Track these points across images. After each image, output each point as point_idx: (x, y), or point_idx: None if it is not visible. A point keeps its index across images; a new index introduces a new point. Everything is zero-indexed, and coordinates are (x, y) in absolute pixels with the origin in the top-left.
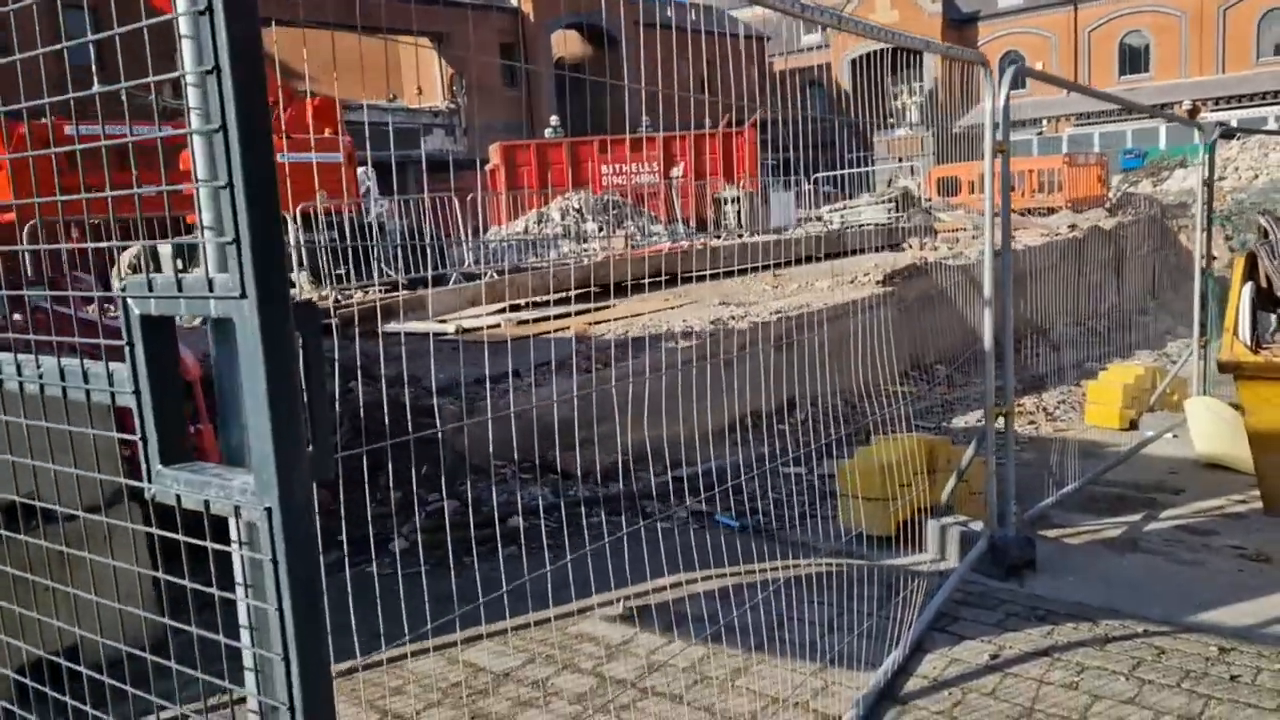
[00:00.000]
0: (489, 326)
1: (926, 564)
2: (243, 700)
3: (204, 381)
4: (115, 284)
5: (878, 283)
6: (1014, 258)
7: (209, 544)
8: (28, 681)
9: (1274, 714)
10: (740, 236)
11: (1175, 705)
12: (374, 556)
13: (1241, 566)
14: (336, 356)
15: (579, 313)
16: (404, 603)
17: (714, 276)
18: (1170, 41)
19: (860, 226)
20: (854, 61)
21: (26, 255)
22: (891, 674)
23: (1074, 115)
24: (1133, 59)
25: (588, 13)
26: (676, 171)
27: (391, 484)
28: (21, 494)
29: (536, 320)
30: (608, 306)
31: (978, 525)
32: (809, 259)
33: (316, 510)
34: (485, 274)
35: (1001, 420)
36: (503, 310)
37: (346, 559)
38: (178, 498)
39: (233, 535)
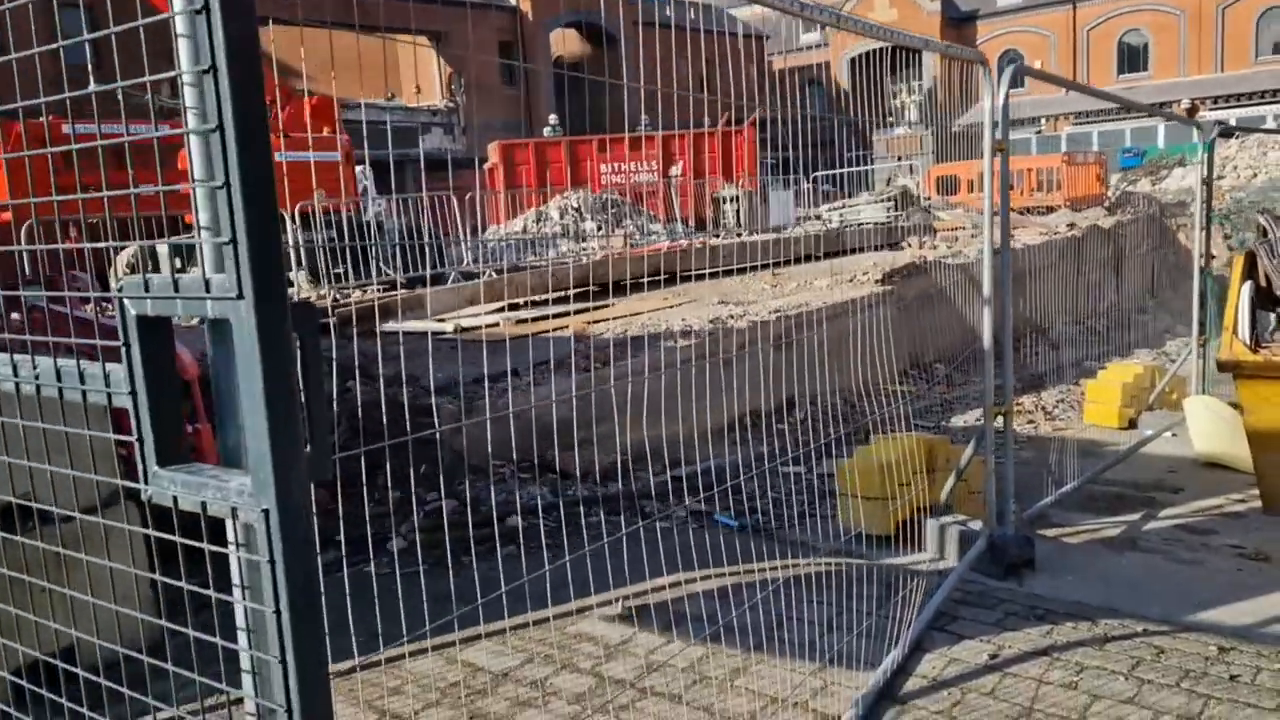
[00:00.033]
0: (488, 325)
1: (925, 563)
2: (240, 701)
3: (202, 381)
4: (113, 284)
5: (877, 281)
6: (1013, 257)
7: (205, 545)
8: (24, 684)
9: (1274, 714)
10: (739, 235)
11: (1175, 705)
12: (372, 556)
13: (1240, 566)
14: (334, 356)
15: (578, 312)
16: (402, 603)
17: (713, 275)
18: (1169, 40)
19: (859, 225)
20: (853, 60)
21: (24, 255)
22: (891, 673)
23: (1073, 114)
24: (1131, 58)
25: (586, 11)
26: (675, 170)
27: (390, 484)
28: (18, 495)
29: (535, 319)
30: (606, 305)
31: (977, 524)
32: (808, 258)
33: (314, 511)
34: (484, 273)
35: (1000, 419)
36: (501, 309)
37: (345, 560)
38: (174, 499)
39: (230, 537)
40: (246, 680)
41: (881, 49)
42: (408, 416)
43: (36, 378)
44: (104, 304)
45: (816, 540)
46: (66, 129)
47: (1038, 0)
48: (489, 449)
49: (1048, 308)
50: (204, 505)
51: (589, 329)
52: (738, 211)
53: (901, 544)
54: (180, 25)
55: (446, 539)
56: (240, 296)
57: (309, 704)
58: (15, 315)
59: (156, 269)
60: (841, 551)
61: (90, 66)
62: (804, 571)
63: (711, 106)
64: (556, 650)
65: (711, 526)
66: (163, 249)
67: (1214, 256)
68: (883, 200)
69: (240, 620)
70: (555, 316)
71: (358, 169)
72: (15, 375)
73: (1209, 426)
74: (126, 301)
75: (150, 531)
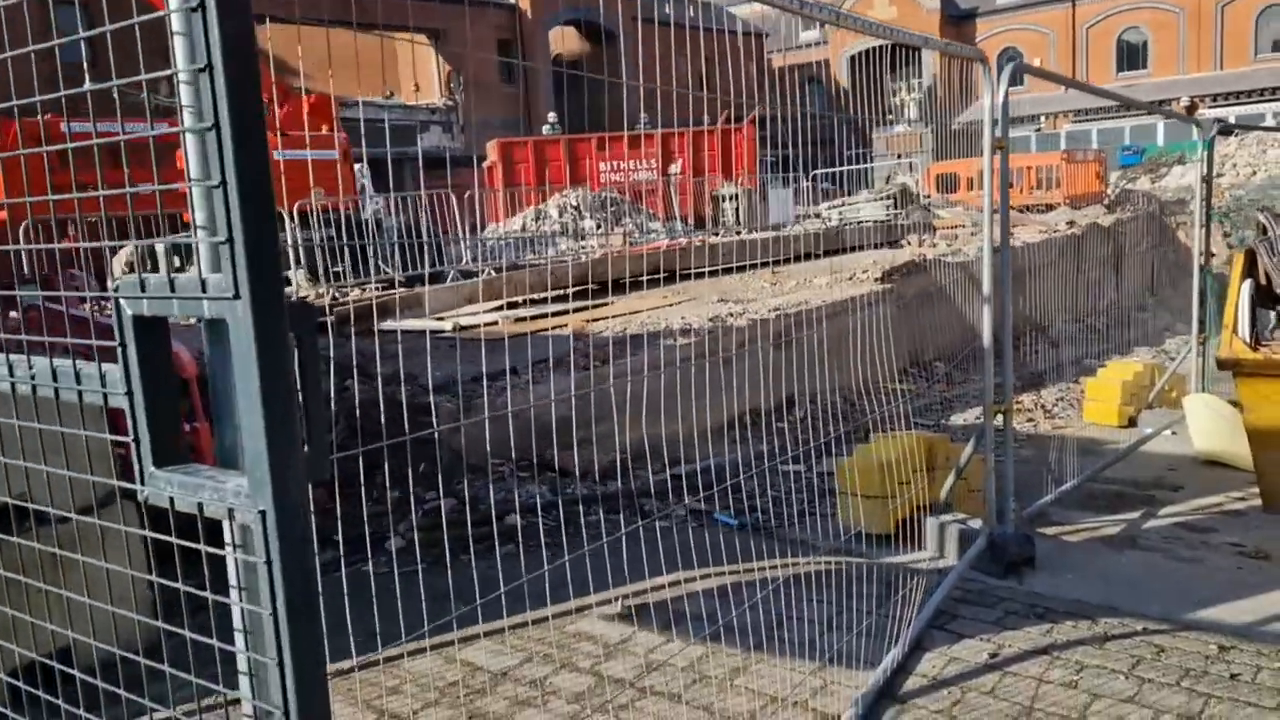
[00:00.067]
0: (487, 324)
1: (925, 562)
2: (236, 702)
3: (201, 379)
4: (109, 284)
5: (876, 280)
6: (1012, 254)
7: (202, 547)
8: (20, 684)
9: (1274, 713)
10: (738, 233)
11: (1175, 704)
12: (370, 556)
13: (1240, 564)
14: (331, 355)
15: (577, 310)
16: (400, 602)
17: (712, 274)
18: (1168, 38)
19: (859, 223)
20: (852, 58)
21: (18, 254)
22: (890, 673)
23: (1072, 112)
24: (1130, 55)
25: (586, 9)
26: (675, 168)
27: (388, 483)
28: (14, 496)
29: (534, 318)
30: (606, 304)
31: (976, 523)
32: (807, 256)
33: (312, 511)
34: (483, 272)
35: (1000, 417)
36: (500, 308)
37: (342, 559)
38: (171, 500)
39: (227, 538)
40: (244, 682)
41: (881, 47)
42: (406, 416)
43: (32, 378)
44: (102, 303)
45: (816, 539)
46: (64, 128)
47: None
48: (488, 448)
49: (1047, 306)
50: (200, 506)
51: (588, 327)
52: (737, 209)
53: (901, 542)
54: (176, 23)
55: (445, 538)
56: (237, 296)
57: (306, 706)
58: (13, 314)
59: (156, 268)
60: (841, 550)
61: (86, 64)
62: (804, 570)
63: (711, 104)
64: (556, 649)
65: (711, 525)
66: (161, 248)
67: (1213, 254)
68: (882, 198)
69: (237, 622)
70: (554, 315)
71: (355, 167)
72: (11, 375)
73: (1209, 424)
74: (122, 301)
75: (146, 532)
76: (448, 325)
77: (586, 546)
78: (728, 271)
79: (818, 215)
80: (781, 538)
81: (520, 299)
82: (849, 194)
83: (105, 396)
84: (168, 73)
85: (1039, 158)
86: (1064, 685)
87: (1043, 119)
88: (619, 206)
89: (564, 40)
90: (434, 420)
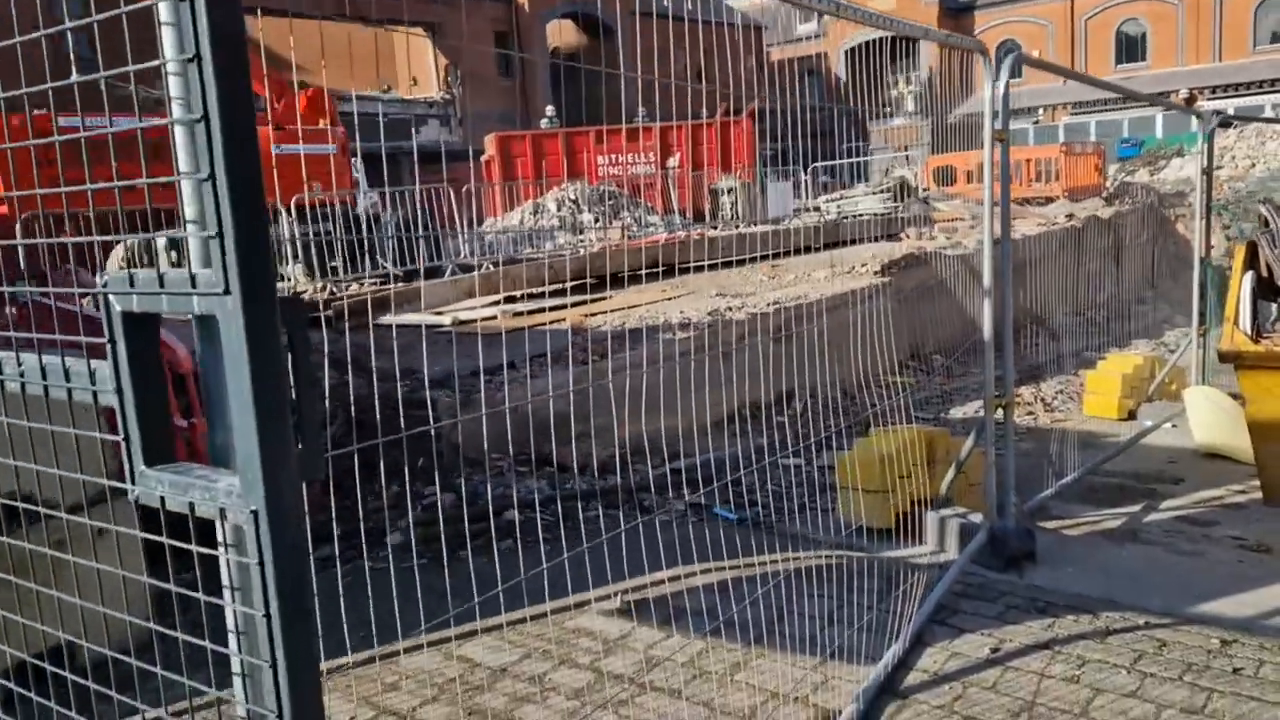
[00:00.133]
0: (485, 318)
1: (926, 556)
2: (225, 701)
3: (197, 375)
4: (98, 280)
5: (875, 273)
6: (1012, 247)
7: (194, 548)
8: (11, 686)
9: (1278, 707)
10: (737, 227)
11: (1178, 698)
12: (368, 552)
13: (1242, 557)
14: (326, 350)
15: (575, 304)
16: (398, 599)
17: (711, 268)
18: (1167, 30)
19: (857, 217)
20: (849, 51)
21: (15, 250)
22: (892, 668)
23: (1070, 104)
24: (1129, 47)
25: (583, 2)
26: (673, 162)
27: (384, 479)
28: (4, 494)
29: (532, 312)
30: (604, 298)
31: (977, 517)
32: (806, 249)
33: (306, 512)
34: (481, 266)
35: (1000, 411)
36: (498, 302)
37: (338, 557)
38: (161, 500)
39: (219, 538)
40: (237, 684)
41: (878, 40)
42: (401, 411)
43: (21, 375)
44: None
45: (816, 533)
46: (63, 122)
47: None
48: (485, 444)
49: (1046, 298)
50: (191, 506)
51: (586, 322)
52: (735, 203)
53: (902, 537)
54: (164, 13)
55: (442, 534)
56: (227, 292)
57: (300, 709)
58: (12, 309)
59: (154, 264)
60: (842, 544)
61: (71, 56)
62: (804, 565)
63: (709, 97)
64: (555, 645)
65: (710, 520)
66: (159, 243)
67: (1212, 247)
68: (881, 191)
69: (230, 623)
70: (552, 309)
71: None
72: (0, 372)
73: (1209, 417)
74: (111, 298)
75: (138, 533)
76: (446, 320)
77: (585, 543)
78: (726, 265)
79: (816, 209)
80: (781, 532)
81: (518, 293)
82: (847, 187)
83: (95, 394)
84: (155, 63)
85: (1038, 150)
86: (1066, 680)
87: (1041, 111)
88: (617, 200)
89: (561, 33)
90: (430, 416)
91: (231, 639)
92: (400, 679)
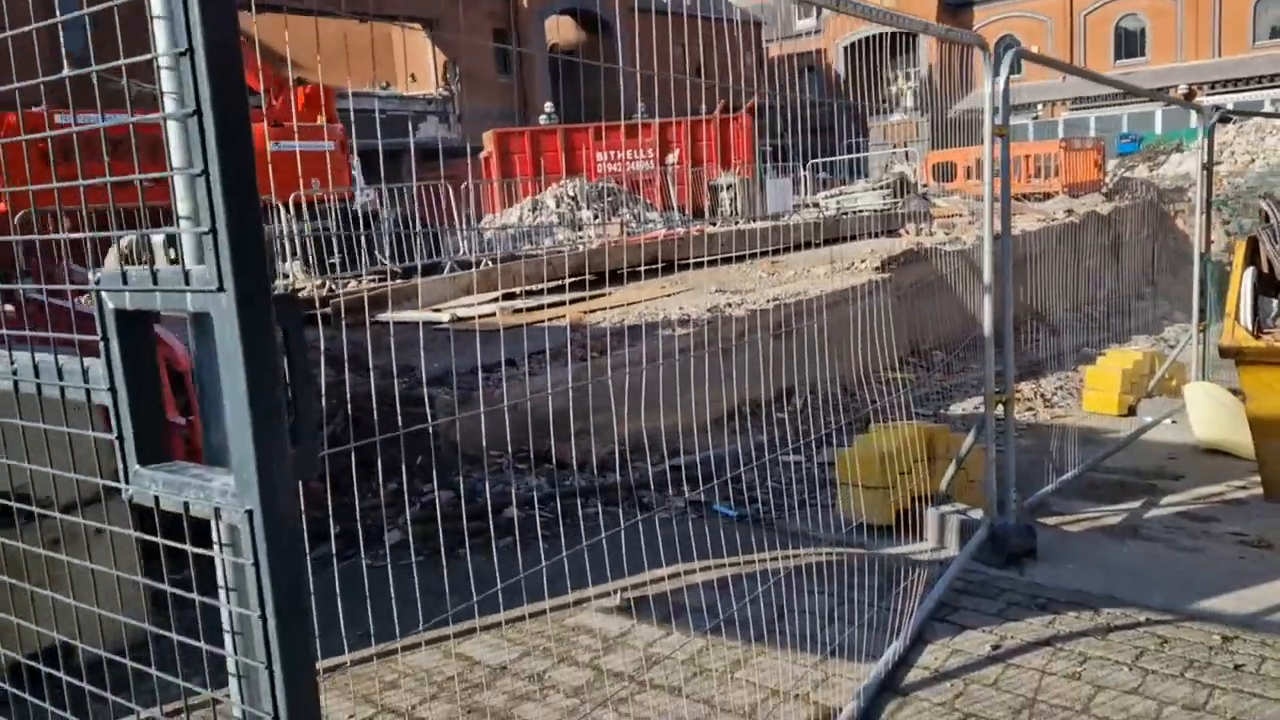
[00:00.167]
0: (483, 315)
1: (926, 553)
2: (218, 701)
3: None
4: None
5: (875, 269)
6: (1012, 243)
7: (189, 548)
8: (6, 687)
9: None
10: (736, 223)
11: (1179, 695)
12: (365, 550)
13: (1243, 553)
14: (322, 346)
15: (574, 301)
16: (396, 597)
17: (710, 264)
18: (1166, 25)
19: (857, 213)
20: (848, 48)
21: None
22: (892, 665)
23: (1069, 100)
24: (1128, 43)
25: None
26: (672, 158)
27: (382, 476)
28: (3, 493)
29: (531, 309)
30: (603, 294)
31: (977, 513)
32: (806, 245)
33: (302, 510)
34: (480, 262)
35: (1001, 407)
36: (497, 299)
37: (334, 555)
38: (156, 499)
39: (214, 538)
40: (233, 685)
41: (876, 36)
42: (400, 408)
43: (14, 373)
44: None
45: (816, 530)
46: (59, 119)
47: None
48: (484, 440)
49: (1046, 294)
50: (186, 506)
51: (585, 318)
52: (734, 199)
53: (902, 533)
54: (156, 6)
55: (440, 532)
56: (221, 289)
57: (296, 711)
58: (5, 307)
59: (153, 262)
60: (842, 541)
61: (65, 52)
62: (804, 562)
63: (708, 93)
64: (554, 643)
65: (710, 517)
66: (157, 239)
67: (1212, 242)
68: (880, 187)
69: (226, 624)
70: (551, 306)
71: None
72: None
73: (1209, 413)
74: (104, 295)
75: (132, 533)
76: (444, 317)
77: (585, 540)
78: (726, 261)
79: (815, 205)
80: (781, 529)
81: (517, 290)
82: (846, 183)
83: (88, 392)
84: (147, 57)
85: (1037, 146)
86: (1067, 677)
87: (1040, 107)
88: (616, 197)
89: (560, 30)
90: (428, 414)
91: (227, 640)
92: (399, 677)
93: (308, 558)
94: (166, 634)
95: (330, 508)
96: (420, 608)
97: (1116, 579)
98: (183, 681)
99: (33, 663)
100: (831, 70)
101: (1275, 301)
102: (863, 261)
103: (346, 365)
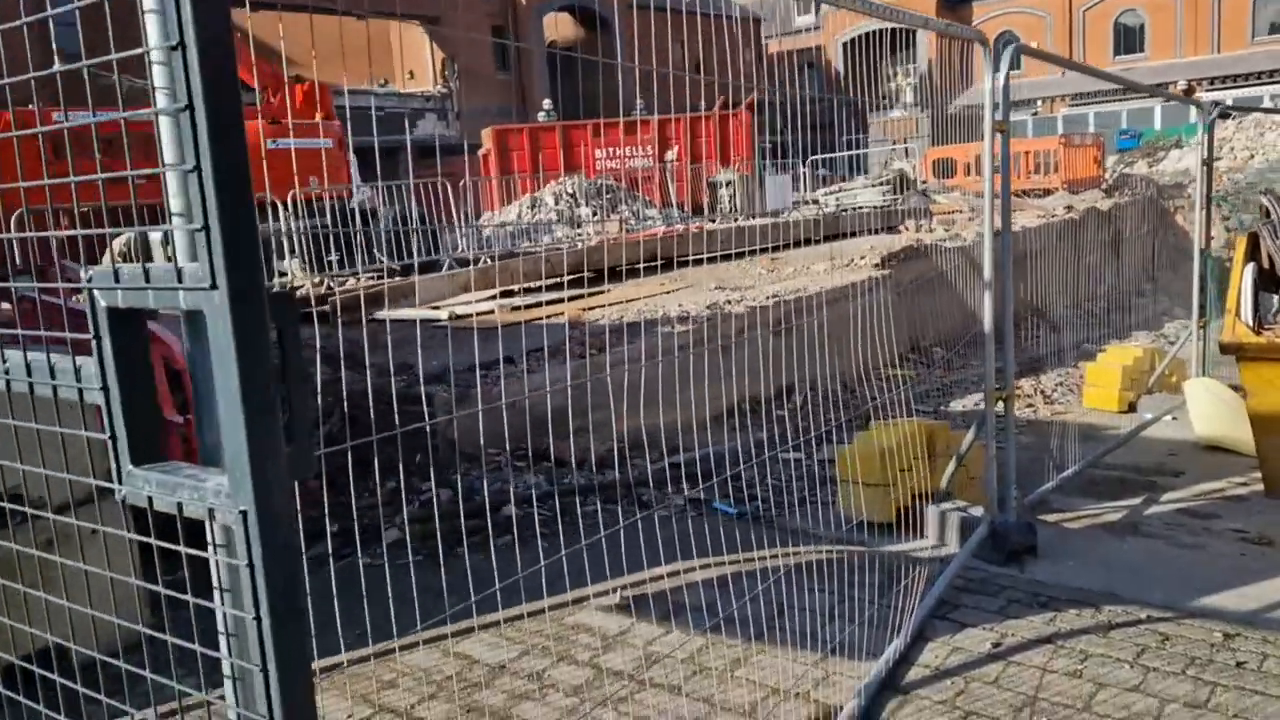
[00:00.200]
0: (481, 313)
1: (927, 550)
2: (210, 703)
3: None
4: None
5: (875, 265)
6: (1012, 239)
7: (182, 549)
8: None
9: None
10: (736, 220)
11: (1181, 693)
12: (363, 549)
13: (1244, 550)
14: (318, 344)
15: (573, 298)
16: (394, 596)
17: (710, 260)
18: (1165, 21)
19: (856, 209)
20: (847, 44)
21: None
22: (893, 663)
23: (1069, 96)
24: (1128, 38)
25: None
26: (671, 155)
27: (380, 475)
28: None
29: (530, 306)
30: (602, 291)
31: (978, 511)
32: (805, 242)
33: (298, 511)
34: (478, 260)
35: (1001, 404)
36: (495, 296)
37: (330, 553)
38: (149, 499)
39: (209, 539)
40: (228, 688)
41: (876, 32)
42: (395, 406)
43: (6, 372)
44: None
45: (817, 528)
46: (55, 116)
47: None
48: (482, 438)
49: (1046, 291)
50: (180, 506)
51: (584, 316)
52: (733, 196)
53: (902, 531)
54: (148, 0)
55: (438, 530)
56: (214, 286)
57: (291, 713)
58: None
59: (150, 258)
60: (842, 539)
61: (55, 49)
62: (804, 560)
63: (708, 90)
64: (554, 642)
65: (710, 514)
66: (155, 236)
67: (1212, 238)
68: (880, 184)
69: (221, 625)
70: (550, 303)
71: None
72: None
73: (1210, 409)
74: (96, 293)
75: (126, 534)
76: (443, 314)
77: (584, 538)
78: (725, 258)
79: (815, 201)
80: (781, 527)
81: (515, 288)
82: (846, 180)
83: (81, 392)
84: (139, 51)
85: (1037, 142)
86: (1068, 675)
87: (1039, 103)
88: (615, 193)
89: (558, 27)
90: (425, 412)
91: (222, 641)
92: (398, 676)
93: (304, 557)
94: (160, 635)
95: (327, 506)
96: (418, 607)
97: (1117, 576)
98: (177, 684)
99: (26, 664)
100: (831, 66)
101: (1276, 297)
102: (862, 258)
103: (343, 363)
